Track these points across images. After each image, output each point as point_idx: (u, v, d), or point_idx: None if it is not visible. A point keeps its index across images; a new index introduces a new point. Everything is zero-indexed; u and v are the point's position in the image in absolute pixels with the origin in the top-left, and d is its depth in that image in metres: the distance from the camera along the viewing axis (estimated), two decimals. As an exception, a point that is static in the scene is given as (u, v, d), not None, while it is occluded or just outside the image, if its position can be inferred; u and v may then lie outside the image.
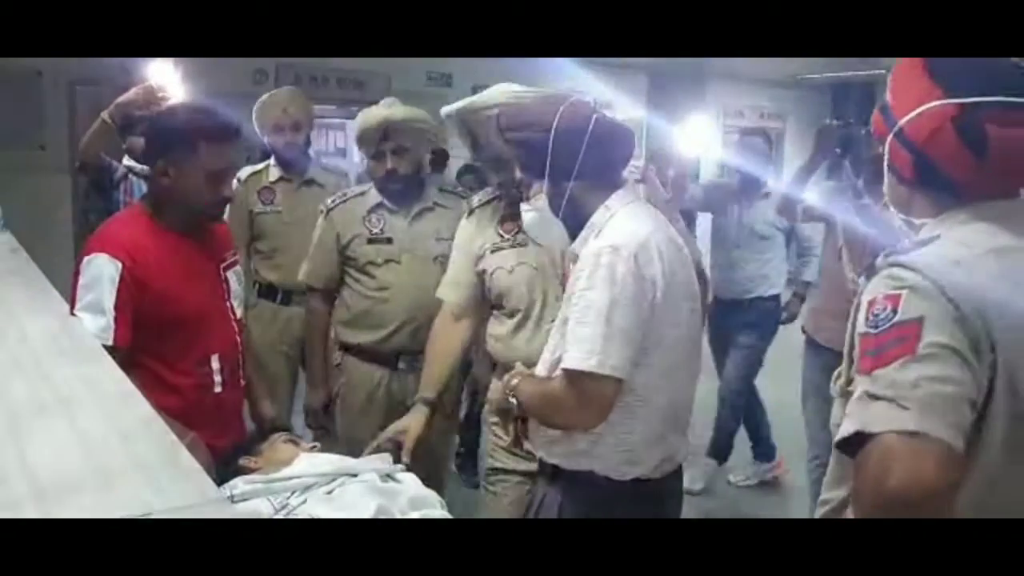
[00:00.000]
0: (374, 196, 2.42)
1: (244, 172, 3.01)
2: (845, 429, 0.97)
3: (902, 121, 1.07)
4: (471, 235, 2.08)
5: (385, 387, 2.37)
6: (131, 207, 1.92)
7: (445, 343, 2.11)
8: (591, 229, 1.54)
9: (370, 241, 2.38)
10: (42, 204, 5.01)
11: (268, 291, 3.02)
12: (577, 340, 1.41)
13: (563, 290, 1.91)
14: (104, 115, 2.81)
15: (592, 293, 1.41)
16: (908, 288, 0.98)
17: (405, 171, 2.36)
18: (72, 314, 1.49)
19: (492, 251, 2.02)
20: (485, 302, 2.07)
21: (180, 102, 2.01)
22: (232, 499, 1.47)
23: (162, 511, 0.71)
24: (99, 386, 1.05)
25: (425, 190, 2.44)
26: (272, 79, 6.76)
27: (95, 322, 1.65)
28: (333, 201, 2.47)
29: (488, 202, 2.11)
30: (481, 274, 2.03)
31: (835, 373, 1.13)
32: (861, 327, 1.01)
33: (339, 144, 10.12)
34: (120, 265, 1.71)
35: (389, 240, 2.38)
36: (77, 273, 1.74)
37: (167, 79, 2.86)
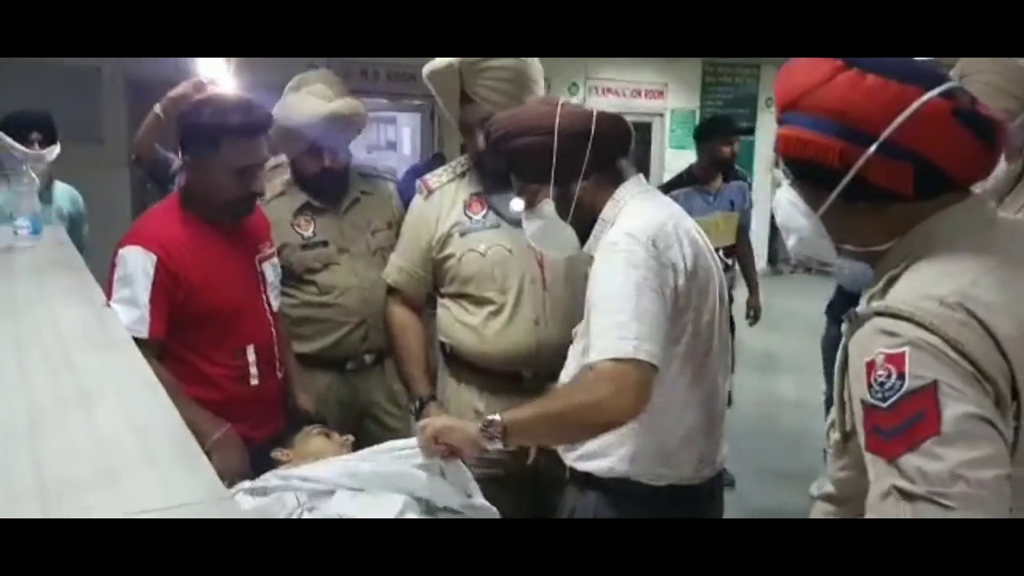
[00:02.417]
0: (298, 196, 2.20)
1: None
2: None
3: (887, 132, 0.93)
4: (430, 218, 1.92)
5: (334, 392, 2.21)
6: (166, 200, 1.93)
7: (415, 337, 1.97)
8: (602, 225, 1.48)
9: (304, 247, 2.17)
10: (101, 197, 5.14)
11: None
12: (605, 329, 1.31)
13: (541, 274, 1.85)
14: (157, 109, 2.84)
15: (614, 280, 1.33)
16: (909, 345, 0.84)
17: (339, 168, 2.19)
18: (108, 306, 1.50)
19: (461, 234, 1.88)
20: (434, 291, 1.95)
21: (209, 97, 2.00)
22: (265, 492, 1.46)
23: (163, 508, 0.69)
24: (121, 378, 1.06)
25: (351, 181, 2.26)
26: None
27: (130, 314, 1.66)
28: None
29: (450, 181, 1.96)
30: (445, 259, 1.89)
31: (828, 422, 1.03)
32: (864, 396, 0.88)
33: (390, 138, 10.22)
34: (155, 258, 1.71)
35: (324, 243, 2.19)
36: (113, 266, 1.76)
37: (217, 73, 2.88)
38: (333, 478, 1.42)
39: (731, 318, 4.08)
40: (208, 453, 1.65)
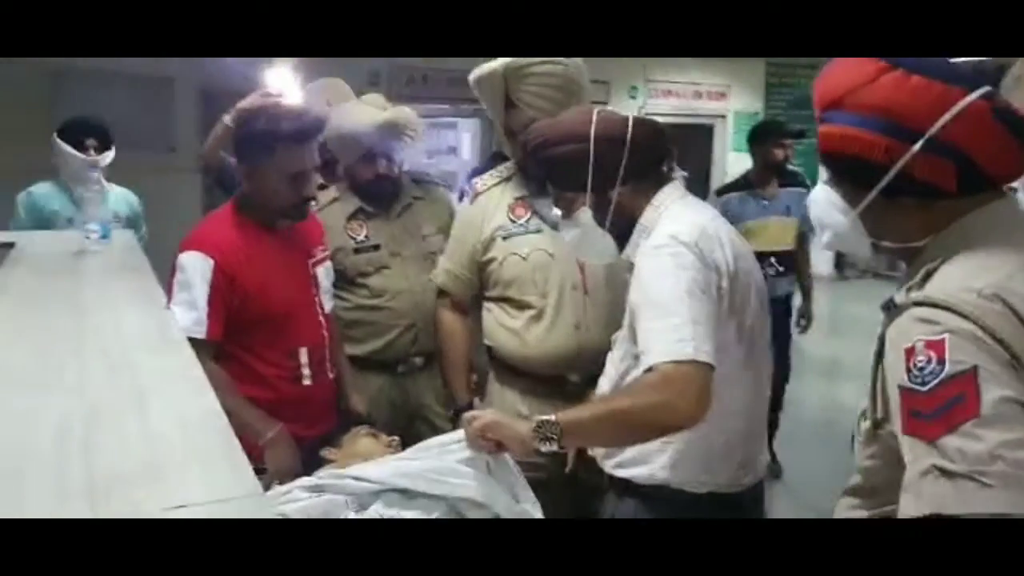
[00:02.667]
0: (352, 201, 2.27)
1: None
2: (915, 509, 0.87)
3: (933, 130, 0.96)
4: (476, 221, 1.96)
5: (385, 393, 2.26)
6: (223, 207, 2.01)
7: (461, 342, 2.01)
8: (641, 231, 1.47)
9: (356, 251, 2.23)
10: (172, 203, 5.34)
11: None
12: (660, 332, 1.29)
13: (582, 279, 1.85)
14: (226, 119, 2.94)
15: (664, 283, 1.32)
16: (949, 332, 0.88)
17: (393, 174, 2.24)
18: (168, 308, 1.57)
19: (504, 237, 1.91)
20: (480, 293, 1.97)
21: (263, 105, 2.06)
22: (321, 490, 1.49)
23: (203, 503, 0.73)
24: (174, 378, 1.10)
25: (403, 186, 2.32)
26: (385, 80, 6.96)
27: (188, 316, 1.74)
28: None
29: (496, 184, 1.99)
30: (488, 262, 1.92)
31: (859, 412, 1.04)
32: (903, 381, 0.91)
33: (450, 142, 10.32)
34: (212, 262, 1.78)
35: (376, 247, 2.24)
36: (173, 270, 1.83)
37: (285, 84, 2.96)
38: (384, 477, 1.44)
39: (791, 324, 4.04)
40: (261, 450, 1.72)
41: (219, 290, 1.78)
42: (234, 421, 1.30)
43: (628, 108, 7.96)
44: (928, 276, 0.98)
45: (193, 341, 1.47)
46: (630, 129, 1.46)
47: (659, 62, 8.19)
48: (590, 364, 1.72)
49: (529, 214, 1.92)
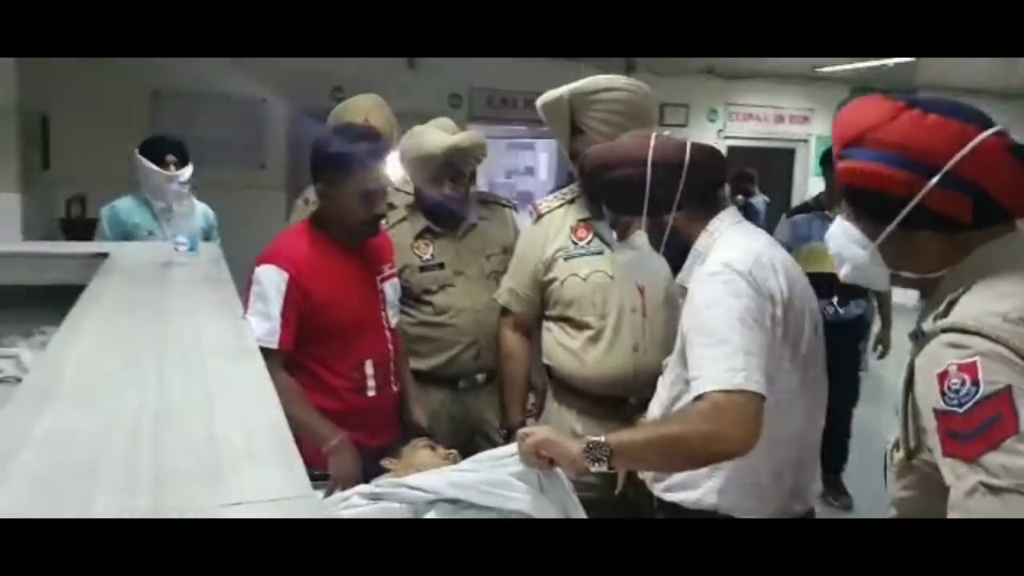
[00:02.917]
0: (420, 220, 2.34)
1: (311, 191, 2.69)
2: None
3: (950, 164, 1.02)
4: (540, 242, 2.00)
5: (447, 408, 2.30)
6: (299, 223, 2.11)
7: (521, 362, 2.05)
8: (695, 256, 1.47)
9: (422, 269, 2.30)
10: (261, 216, 5.58)
11: None
12: (713, 360, 1.30)
13: (641, 301, 1.86)
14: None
15: (716, 312, 1.33)
16: (980, 355, 0.92)
17: (461, 195, 2.31)
18: (244, 318, 1.65)
19: (565, 258, 1.94)
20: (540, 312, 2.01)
21: (337, 128, 2.16)
22: (379, 497, 1.55)
23: (255, 501, 0.78)
24: (242, 385, 1.17)
25: (469, 207, 2.37)
26: (466, 101, 7.12)
27: (262, 326, 1.83)
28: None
29: (559, 206, 2.03)
30: (549, 282, 1.96)
31: (891, 443, 1.04)
32: (938, 404, 0.94)
33: (528, 163, 10.44)
34: (287, 276, 1.87)
35: (440, 265, 2.30)
36: (250, 282, 1.93)
37: (372, 106, 3.04)
38: (438, 488, 1.48)
39: (861, 348, 3.92)
40: (326, 457, 1.79)
41: (292, 302, 1.86)
42: (301, 428, 1.42)
43: (707, 131, 7.89)
44: (952, 305, 1.01)
45: (265, 350, 1.56)
46: (688, 155, 1.47)
47: (741, 85, 8.11)
48: (647, 386, 1.73)
49: (591, 236, 1.95)
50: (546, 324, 2.01)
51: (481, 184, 5.75)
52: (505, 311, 2.09)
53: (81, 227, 4.89)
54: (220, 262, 2.26)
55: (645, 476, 1.56)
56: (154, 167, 3.19)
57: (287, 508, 0.78)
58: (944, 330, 0.96)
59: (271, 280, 1.87)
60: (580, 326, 1.91)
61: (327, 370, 1.94)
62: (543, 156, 9.69)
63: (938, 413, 0.94)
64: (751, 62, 7.65)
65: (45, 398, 1.04)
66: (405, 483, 1.51)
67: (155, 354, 1.29)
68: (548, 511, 1.46)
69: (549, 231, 2.00)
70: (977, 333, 0.93)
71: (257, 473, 0.85)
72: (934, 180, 1.02)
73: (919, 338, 1.02)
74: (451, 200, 2.29)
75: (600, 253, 1.93)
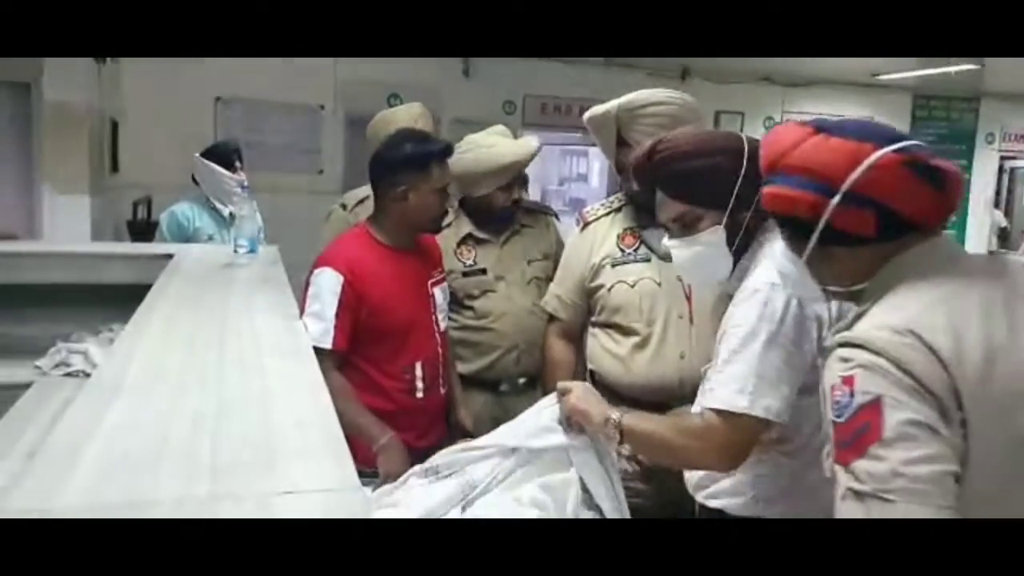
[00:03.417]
0: (464, 227, 2.39)
1: (348, 198, 2.85)
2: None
3: (847, 184, 1.06)
4: (586, 249, 2.02)
5: (489, 410, 2.31)
6: (355, 229, 2.15)
7: (566, 369, 2.04)
8: (751, 261, 1.45)
9: (465, 274, 2.35)
10: (318, 221, 5.71)
11: None
12: (727, 378, 1.33)
13: (689, 309, 1.86)
14: None
15: (745, 329, 1.34)
16: (860, 367, 0.97)
17: (508, 204, 2.37)
18: (300, 319, 1.71)
19: (612, 265, 1.95)
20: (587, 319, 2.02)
21: (400, 132, 2.21)
22: (437, 471, 1.56)
23: (306, 491, 0.82)
24: (296, 382, 1.22)
25: (514, 213, 2.42)
26: (520, 108, 7.17)
27: (317, 327, 1.88)
28: None
29: (606, 214, 2.04)
30: (596, 289, 1.97)
31: (824, 452, 1.06)
32: (829, 415, 1.00)
33: (580, 170, 10.46)
34: (342, 279, 1.92)
35: (483, 271, 2.35)
36: (307, 284, 2.00)
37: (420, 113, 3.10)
38: (489, 442, 1.52)
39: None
40: (375, 455, 1.84)
41: (347, 305, 1.92)
42: (351, 427, 1.50)
43: (763, 139, 7.78)
44: (859, 317, 1.06)
45: (320, 350, 1.64)
46: None
47: (798, 92, 7.98)
48: (693, 394, 1.72)
49: (638, 243, 1.97)
50: (591, 330, 2.03)
51: (534, 190, 5.78)
52: (552, 318, 2.11)
53: (147, 229, 5.05)
54: (278, 264, 2.34)
55: (688, 482, 1.57)
56: (223, 171, 3.30)
57: (337, 498, 0.82)
58: (840, 344, 1.01)
59: (327, 283, 1.93)
60: (627, 332, 1.92)
61: (378, 371, 1.99)
62: (596, 163, 9.71)
63: (832, 424, 1.00)
64: (809, 69, 7.53)
65: (113, 392, 1.10)
66: (456, 449, 1.55)
67: (216, 351, 1.36)
68: (589, 450, 1.49)
69: (595, 239, 2.02)
70: (861, 346, 0.98)
71: (309, 465, 0.89)
72: (835, 200, 1.07)
73: (823, 354, 1.07)
74: (512, 207, 2.35)
75: (648, 260, 1.94)
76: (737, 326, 1.37)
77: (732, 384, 1.32)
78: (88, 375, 1.88)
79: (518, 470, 1.50)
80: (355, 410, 1.86)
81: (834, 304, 1.38)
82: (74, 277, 2.35)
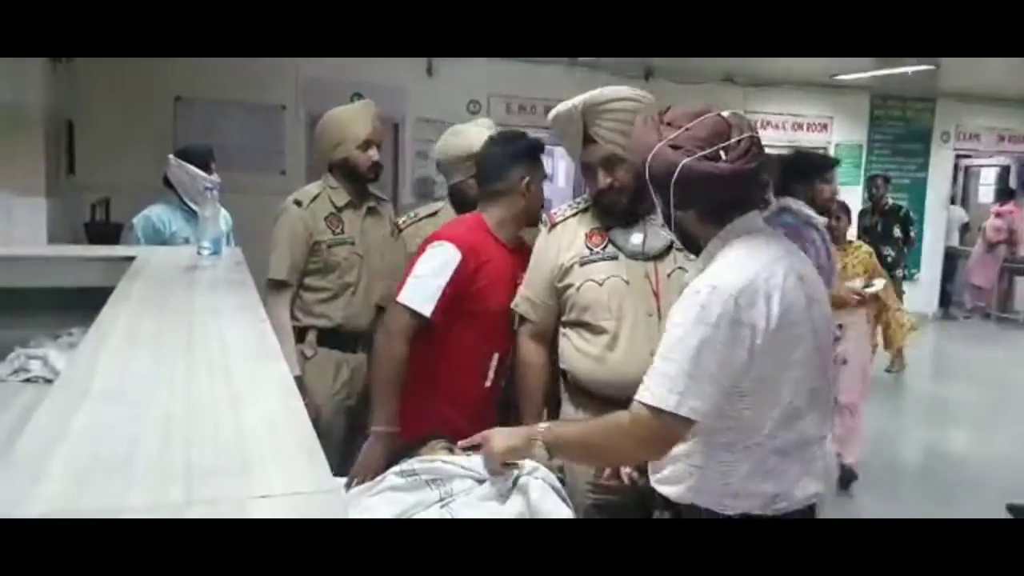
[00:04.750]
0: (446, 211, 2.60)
1: (302, 195, 2.72)
2: None
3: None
4: (554, 250, 2.04)
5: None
6: (470, 218, 2.20)
7: (538, 371, 2.06)
8: (706, 258, 1.49)
9: None
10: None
11: (332, 336, 2.61)
12: (658, 375, 1.38)
13: (657, 306, 1.89)
14: None
15: (682, 330, 1.38)
16: None
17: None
18: (263, 321, 1.68)
19: (581, 264, 1.98)
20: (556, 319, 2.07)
21: (499, 133, 2.35)
22: (414, 473, 1.57)
23: (281, 494, 0.81)
24: (266, 384, 1.20)
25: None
26: (484, 108, 7.17)
27: (420, 292, 1.98)
28: (405, 221, 2.71)
29: (573, 215, 2.08)
30: (566, 288, 1.99)
31: None
32: None
33: (546, 170, 10.49)
34: (460, 256, 2.02)
35: None
36: (421, 251, 2.08)
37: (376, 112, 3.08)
38: (472, 464, 1.56)
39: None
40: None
41: (455, 282, 2.00)
42: (378, 395, 1.90)
43: (725, 138, 7.88)
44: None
45: (412, 312, 1.91)
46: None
47: (759, 93, 8.10)
48: None
49: (606, 242, 1.98)
50: (563, 330, 2.03)
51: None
52: (523, 320, 2.11)
53: (105, 231, 4.96)
54: (242, 266, 2.30)
55: (648, 466, 1.60)
56: (201, 172, 3.23)
57: (312, 501, 0.81)
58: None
59: (446, 255, 2.02)
60: (597, 331, 1.93)
61: (458, 350, 2.05)
62: (561, 163, 9.71)
63: None
64: (770, 70, 7.64)
65: (79, 396, 1.08)
66: (440, 459, 1.56)
67: (183, 354, 1.33)
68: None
69: (563, 240, 2.04)
70: None
71: (283, 468, 0.88)
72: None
73: None
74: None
75: (615, 258, 1.95)
76: (676, 325, 1.41)
77: (665, 382, 1.37)
78: (48, 381, 1.84)
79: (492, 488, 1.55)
80: (388, 386, 1.95)
81: (774, 304, 1.39)
82: (31, 281, 2.30)
